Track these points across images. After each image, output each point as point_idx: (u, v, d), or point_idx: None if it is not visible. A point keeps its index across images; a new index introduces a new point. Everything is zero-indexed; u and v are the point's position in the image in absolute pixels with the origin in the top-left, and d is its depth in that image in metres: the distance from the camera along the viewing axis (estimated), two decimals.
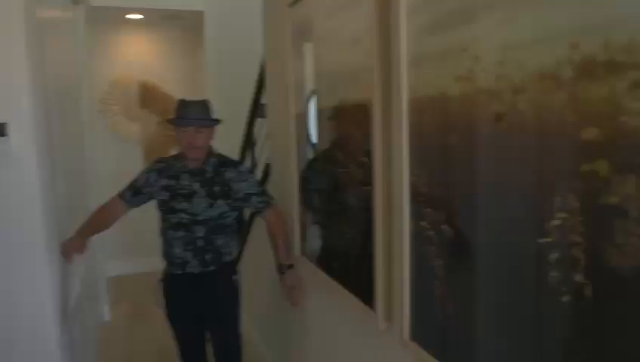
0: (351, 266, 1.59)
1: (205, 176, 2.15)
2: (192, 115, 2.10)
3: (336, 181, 1.68)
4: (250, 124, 3.37)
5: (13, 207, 1.79)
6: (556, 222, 0.77)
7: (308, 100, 1.96)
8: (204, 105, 2.15)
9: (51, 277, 1.91)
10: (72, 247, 2.12)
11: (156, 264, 4.67)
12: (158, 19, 4.89)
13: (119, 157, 4.92)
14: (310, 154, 2.01)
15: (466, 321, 1.03)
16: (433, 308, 1.13)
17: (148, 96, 5.02)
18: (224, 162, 2.21)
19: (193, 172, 2.16)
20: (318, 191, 1.90)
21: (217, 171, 2.16)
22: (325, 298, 1.91)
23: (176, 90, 5.11)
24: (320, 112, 1.86)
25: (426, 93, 1.09)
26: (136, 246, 5.04)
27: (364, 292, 1.46)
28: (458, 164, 1.01)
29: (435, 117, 1.07)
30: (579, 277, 0.73)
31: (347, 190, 1.59)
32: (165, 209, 2.18)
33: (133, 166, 4.92)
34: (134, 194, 2.26)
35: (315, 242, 1.97)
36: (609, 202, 0.68)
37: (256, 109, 3.26)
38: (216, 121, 2.17)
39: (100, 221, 2.31)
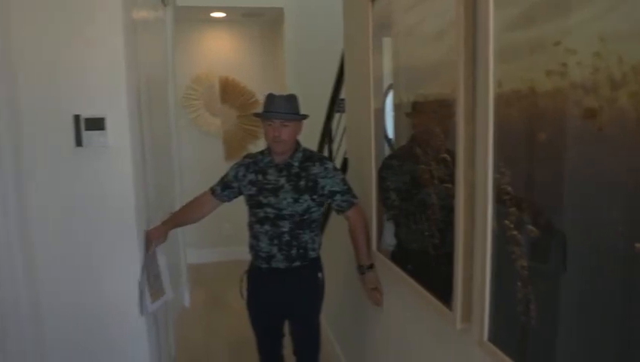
0: (429, 264, 1.56)
1: (291, 170, 2.16)
2: (279, 108, 2.10)
3: (415, 178, 1.66)
4: (329, 119, 3.41)
5: (109, 193, 1.93)
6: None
7: (385, 95, 1.95)
8: (290, 100, 2.15)
9: (139, 252, 2.04)
10: (153, 235, 2.19)
11: (234, 254, 4.89)
12: (240, 17, 5.05)
13: (201, 149, 5.16)
14: (386, 151, 2.00)
15: (548, 325, 0.99)
16: (514, 310, 1.09)
17: (228, 91, 5.20)
18: (310, 157, 2.20)
19: (279, 167, 2.16)
20: (396, 187, 1.89)
21: (303, 166, 2.16)
22: (400, 295, 1.90)
23: (256, 85, 5.27)
24: (397, 108, 1.84)
25: (513, 88, 1.06)
26: (216, 237, 5.27)
27: (442, 291, 1.43)
28: (547, 162, 0.97)
29: (523, 113, 1.03)
30: None
31: (426, 187, 1.56)
32: (252, 203, 2.21)
33: (213, 158, 5.18)
34: (224, 188, 2.31)
35: (390, 238, 1.96)
36: None
37: (335, 104, 3.29)
38: (302, 116, 2.17)
39: (189, 213, 2.38)
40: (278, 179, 2.15)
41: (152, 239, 2.18)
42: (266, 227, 2.15)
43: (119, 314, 2.05)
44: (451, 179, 1.34)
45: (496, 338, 1.18)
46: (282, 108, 2.10)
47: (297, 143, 2.21)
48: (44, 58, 1.84)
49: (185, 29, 4.94)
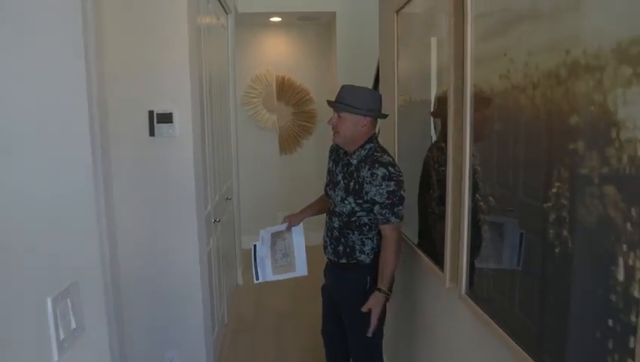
0: (431, 236, 1.85)
1: (349, 168, 2.06)
2: (340, 98, 2.01)
3: (426, 165, 1.95)
4: None
5: (175, 174, 2.35)
6: (552, 190, 0.99)
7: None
8: (359, 93, 2.02)
9: (197, 228, 2.43)
10: (291, 219, 2.31)
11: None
12: (296, 21, 5.42)
13: (257, 143, 5.60)
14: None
15: (501, 279, 1.26)
16: (480, 269, 1.37)
17: (284, 89, 5.60)
18: (367, 158, 2.01)
19: (344, 161, 2.10)
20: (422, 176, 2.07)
21: (358, 166, 2.02)
22: (414, 261, 2.17)
23: (310, 84, 5.64)
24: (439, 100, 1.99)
25: (482, 89, 1.33)
26: (269, 225, 5.68)
27: (439, 257, 1.72)
28: (499, 146, 1.24)
29: (486, 108, 1.31)
30: (565, 233, 0.95)
31: (431, 171, 1.85)
32: (326, 191, 2.21)
33: (269, 151, 5.59)
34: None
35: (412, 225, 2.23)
36: (582, 173, 0.89)
37: None
38: (359, 110, 1.99)
39: (320, 203, 2.38)
40: (339, 173, 2.11)
41: (291, 222, 2.29)
42: (327, 218, 2.20)
43: (182, 271, 2.45)
44: (445, 162, 1.62)
45: (470, 292, 1.46)
46: (343, 99, 2.00)
47: (369, 140, 2.05)
48: (124, 61, 2.26)
49: (245, 32, 5.38)
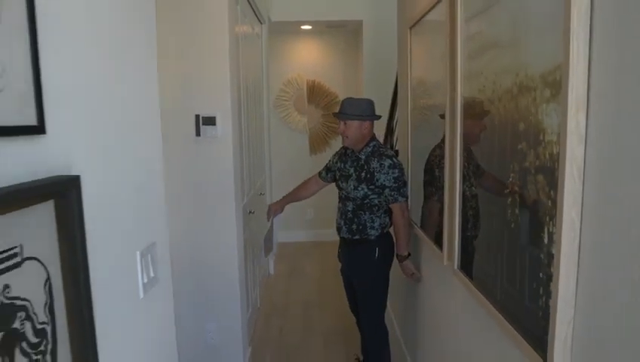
0: (434, 223, 2.16)
1: (359, 162, 2.56)
2: (343, 110, 2.54)
3: (430, 162, 2.26)
4: (391, 117, 4.03)
5: (218, 172, 2.72)
6: (509, 179, 1.30)
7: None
8: (355, 103, 2.54)
9: (235, 217, 2.80)
10: (273, 208, 2.90)
11: (314, 235, 5.69)
12: (325, 28, 5.77)
13: (288, 143, 5.97)
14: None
15: (482, 254, 1.57)
16: (468, 246, 1.68)
17: (314, 93, 5.95)
18: (374, 153, 2.53)
19: (352, 158, 2.60)
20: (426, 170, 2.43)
21: (367, 160, 2.53)
22: (418, 246, 2.49)
23: (338, 87, 5.98)
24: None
25: (467, 99, 1.64)
26: (300, 220, 6.05)
27: (439, 240, 2.03)
28: (479, 145, 1.55)
29: (470, 115, 1.62)
30: (517, 211, 1.26)
31: (434, 168, 2.16)
32: (337, 185, 2.74)
33: (299, 151, 5.96)
34: (327, 172, 2.89)
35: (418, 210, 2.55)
36: (526, 165, 1.20)
37: (395, 104, 3.89)
38: (358, 117, 2.49)
39: (301, 191, 3.02)
40: (350, 168, 2.61)
41: (273, 211, 2.87)
42: (340, 204, 2.69)
43: (224, 259, 2.83)
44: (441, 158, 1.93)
45: (461, 266, 1.77)
46: (345, 110, 2.54)
47: (371, 139, 2.58)
48: (175, 72, 2.65)
49: (278, 39, 5.76)
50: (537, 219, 1.15)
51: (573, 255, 1.01)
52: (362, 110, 2.54)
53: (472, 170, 1.66)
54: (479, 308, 1.55)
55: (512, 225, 1.30)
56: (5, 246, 0.70)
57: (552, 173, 1.07)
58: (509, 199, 1.31)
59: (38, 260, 0.79)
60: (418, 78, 2.57)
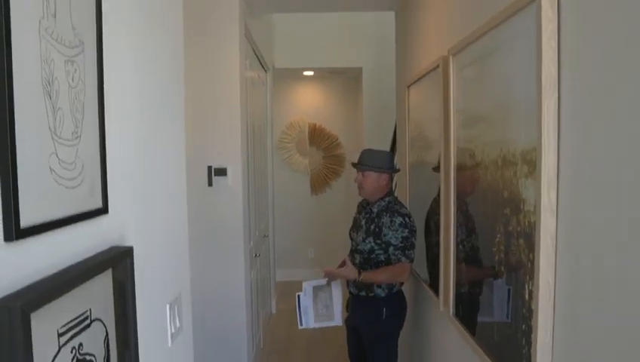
0: (434, 270, 2.33)
1: (371, 215, 2.51)
2: (362, 160, 2.52)
3: (429, 214, 2.44)
4: None
5: (228, 219, 2.89)
6: (497, 240, 1.47)
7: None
8: (375, 155, 2.53)
9: (244, 261, 2.96)
10: (330, 274, 2.59)
11: (316, 274, 5.81)
12: (326, 74, 6.04)
13: (290, 184, 6.16)
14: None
15: (474, 302, 1.73)
16: (461, 294, 1.84)
17: (316, 135, 6.18)
18: (388, 208, 2.47)
19: (367, 210, 2.57)
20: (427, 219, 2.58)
21: (379, 213, 2.48)
22: (418, 292, 2.64)
23: (339, 130, 6.21)
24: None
25: (459, 163, 1.83)
26: (302, 259, 6.19)
27: (436, 287, 2.19)
28: (470, 204, 1.73)
29: (462, 176, 1.81)
30: (502, 268, 1.43)
31: (432, 220, 2.34)
32: (349, 235, 2.68)
33: (301, 192, 6.15)
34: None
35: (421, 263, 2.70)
36: (509, 229, 1.38)
37: (394, 150, 4.10)
38: (378, 169, 2.47)
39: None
40: (362, 219, 2.57)
41: (328, 277, 2.59)
42: (350, 256, 2.60)
43: (232, 302, 2.97)
44: (438, 210, 2.11)
45: (456, 313, 1.92)
46: (364, 161, 2.51)
47: (388, 193, 2.53)
48: (191, 127, 2.85)
49: (281, 84, 6.02)
50: (519, 278, 1.32)
51: (548, 311, 1.18)
52: (381, 162, 2.52)
53: (465, 223, 1.83)
54: (473, 354, 1.70)
55: (499, 280, 1.47)
56: (81, 311, 0.87)
57: (530, 239, 1.24)
58: (496, 256, 1.48)
59: (101, 320, 0.95)
60: (416, 132, 2.77)
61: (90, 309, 0.90)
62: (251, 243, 3.45)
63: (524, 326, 1.29)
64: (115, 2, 1.04)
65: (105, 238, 1.00)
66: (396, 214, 2.43)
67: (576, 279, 1.09)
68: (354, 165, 2.57)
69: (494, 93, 1.51)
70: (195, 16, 2.80)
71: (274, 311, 5.17)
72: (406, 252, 2.41)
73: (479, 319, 1.69)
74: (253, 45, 3.67)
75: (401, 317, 2.57)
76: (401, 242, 2.40)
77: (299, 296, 2.66)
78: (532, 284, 1.24)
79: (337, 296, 2.66)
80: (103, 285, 0.96)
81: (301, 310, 2.64)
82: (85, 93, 0.89)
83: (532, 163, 1.23)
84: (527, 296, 1.27)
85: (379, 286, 2.49)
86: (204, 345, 2.99)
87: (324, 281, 2.62)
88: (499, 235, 1.46)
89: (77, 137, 0.87)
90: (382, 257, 2.46)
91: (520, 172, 1.30)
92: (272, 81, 5.18)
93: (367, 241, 2.47)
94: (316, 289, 2.69)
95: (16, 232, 0.69)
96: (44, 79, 0.76)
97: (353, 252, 2.62)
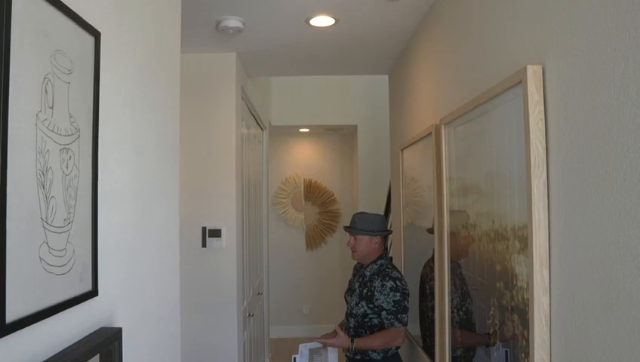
0: (428, 333, 2.28)
1: (364, 279, 2.50)
2: (352, 223, 2.54)
3: (422, 279, 2.42)
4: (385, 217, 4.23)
5: (222, 279, 2.86)
6: (491, 312, 1.46)
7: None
8: (367, 218, 2.54)
9: (237, 323, 2.90)
10: (327, 339, 2.50)
11: (310, 331, 5.66)
12: (322, 131, 6.13)
13: (286, 239, 6.12)
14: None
15: None
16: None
17: (311, 191, 6.20)
18: (379, 271, 2.46)
19: (360, 273, 2.56)
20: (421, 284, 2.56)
21: (371, 277, 2.46)
22: (413, 356, 2.58)
23: (334, 186, 6.24)
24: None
25: (452, 231, 1.84)
26: (296, 315, 6.08)
27: (432, 353, 2.14)
28: (466, 267, 1.73)
29: (455, 244, 1.81)
30: (498, 342, 1.41)
31: (426, 284, 2.32)
32: (344, 298, 2.67)
33: (296, 246, 6.11)
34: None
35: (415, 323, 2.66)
36: (503, 303, 1.36)
37: (389, 208, 4.11)
38: (370, 232, 2.48)
39: None
40: (355, 283, 2.56)
41: (325, 342, 2.51)
42: (345, 319, 2.61)
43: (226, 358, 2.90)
44: (433, 277, 2.09)
45: None
46: (355, 224, 2.52)
47: (380, 256, 2.53)
48: (185, 187, 2.86)
49: (277, 141, 6.10)
50: (515, 352, 1.30)
51: None
52: (374, 225, 2.53)
53: (460, 289, 1.82)
54: None
55: (494, 354, 1.44)
56: None
57: (524, 315, 1.23)
58: (491, 329, 1.46)
59: None
60: (410, 194, 2.78)
61: None
62: (245, 303, 3.39)
63: None
64: (113, 87, 1.08)
65: (94, 320, 0.99)
66: (387, 278, 2.41)
67: (571, 358, 1.07)
68: (346, 229, 2.59)
69: (485, 167, 1.54)
70: (191, 78, 2.87)
71: None
72: (399, 316, 2.38)
73: None
74: (249, 105, 3.75)
75: None
76: (394, 306, 2.37)
77: (295, 358, 2.58)
78: None
79: (333, 360, 2.60)
80: None
81: None
82: (79, 178, 0.90)
83: (524, 239, 1.23)
84: None
85: (373, 350, 2.44)
86: None
87: (319, 345, 2.58)
88: (492, 309, 1.45)
89: (69, 223, 0.87)
90: (376, 321, 2.44)
91: (512, 247, 1.31)
92: (268, 138, 5.25)
93: (360, 305, 2.46)
94: (312, 352, 2.64)
95: (1, 329, 0.68)
96: (38, 171, 0.77)
97: (348, 315, 2.59)
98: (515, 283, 1.29)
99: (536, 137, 1.15)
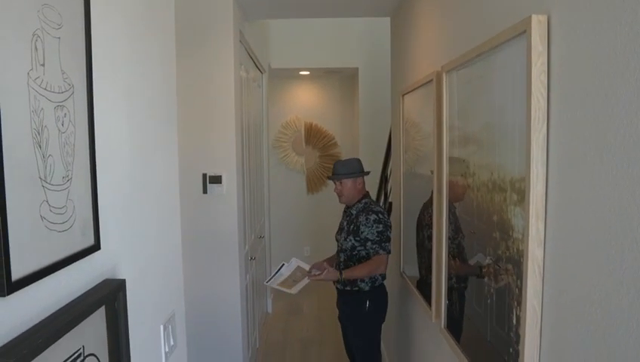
0: (425, 281, 2.35)
1: (351, 217, 2.78)
2: (335, 171, 2.80)
3: (420, 222, 2.45)
4: (385, 167, 4.24)
5: (222, 224, 2.90)
6: (488, 261, 1.49)
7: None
8: (346, 164, 2.80)
9: (239, 267, 2.98)
10: (315, 266, 2.84)
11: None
12: (322, 73, 6.03)
13: (287, 183, 6.16)
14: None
15: (464, 316, 1.75)
16: (452, 308, 1.86)
17: (312, 134, 6.18)
18: (364, 208, 2.73)
19: (347, 213, 2.85)
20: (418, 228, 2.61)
21: (357, 214, 2.74)
22: (413, 302, 2.66)
23: (335, 129, 6.21)
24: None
25: (452, 179, 1.85)
26: (294, 257, 6.22)
27: (428, 299, 2.21)
28: (460, 218, 1.75)
29: (454, 192, 1.82)
30: (492, 289, 1.45)
31: (424, 229, 2.35)
32: (335, 237, 2.93)
33: (297, 190, 6.16)
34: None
35: (413, 265, 2.73)
36: (499, 254, 1.39)
37: (388, 155, 4.11)
38: (352, 175, 2.74)
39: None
40: (344, 221, 2.86)
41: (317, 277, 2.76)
42: (336, 256, 2.91)
43: (227, 307, 3.00)
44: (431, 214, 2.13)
45: (448, 325, 1.94)
46: (337, 171, 2.79)
47: (364, 196, 2.80)
48: (186, 135, 2.85)
49: (277, 84, 6.01)
50: (507, 301, 1.34)
51: (535, 337, 1.20)
52: (354, 168, 2.80)
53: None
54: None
55: (489, 301, 1.49)
56: (74, 349, 0.88)
57: (518, 266, 1.26)
58: (486, 278, 1.50)
59: (95, 355, 0.96)
60: (410, 139, 2.77)
61: (83, 346, 0.92)
62: (247, 247, 3.47)
63: (511, 349, 1.31)
64: (105, 40, 1.05)
65: (98, 273, 1.01)
66: (371, 212, 2.69)
67: (563, 308, 1.11)
68: (330, 178, 2.81)
69: (486, 117, 1.52)
70: (187, 23, 2.79)
71: (270, 310, 5.20)
72: (382, 244, 2.65)
73: (470, 334, 1.71)
74: (248, 48, 3.66)
75: (383, 309, 2.80)
76: (377, 236, 2.64)
77: (283, 264, 2.88)
78: (520, 310, 1.25)
79: (305, 281, 2.90)
80: (96, 323, 0.97)
81: (277, 273, 2.88)
82: (76, 135, 0.90)
83: (521, 192, 1.24)
84: (514, 321, 1.29)
85: (362, 281, 2.70)
86: (200, 347, 3.01)
87: (306, 267, 2.84)
88: (489, 258, 1.48)
89: (68, 180, 0.87)
90: (363, 253, 2.70)
91: (510, 199, 1.32)
92: (267, 81, 5.17)
93: (348, 240, 2.72)
94: (297, 269, 2.91)
95: (8, 287, 0.70)
96: (33, 130, 0.77)
97: (339, 251, 2.84)
98: (511, 233, 1.31)
99: (538, 90, 1.13)
